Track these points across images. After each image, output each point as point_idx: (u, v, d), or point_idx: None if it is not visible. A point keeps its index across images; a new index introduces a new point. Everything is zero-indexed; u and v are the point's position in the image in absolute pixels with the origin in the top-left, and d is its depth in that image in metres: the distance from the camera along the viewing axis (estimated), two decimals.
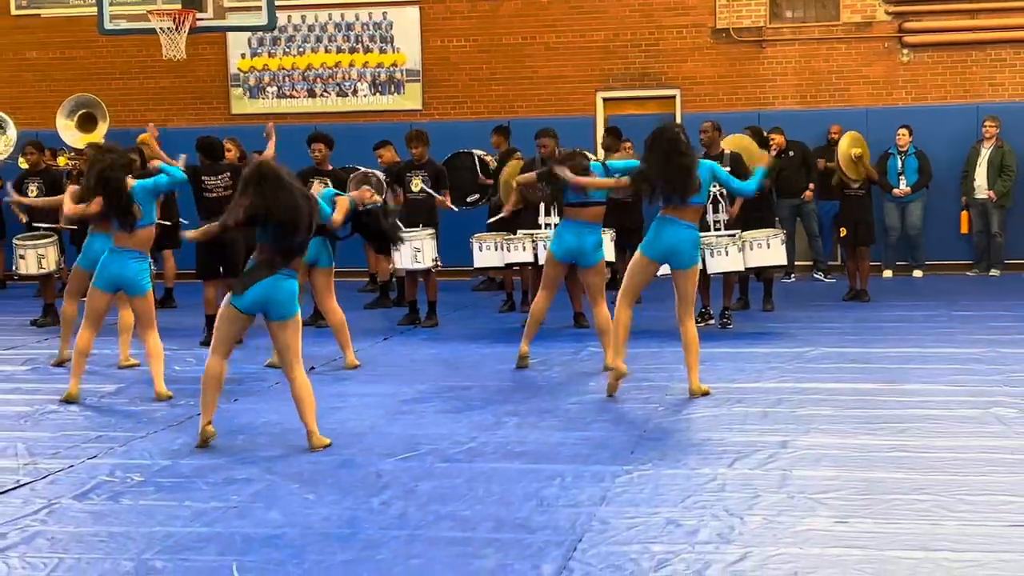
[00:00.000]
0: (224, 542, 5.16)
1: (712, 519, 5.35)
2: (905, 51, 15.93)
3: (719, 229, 11.07)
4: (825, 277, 14.83)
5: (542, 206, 11.44)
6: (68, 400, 8.13)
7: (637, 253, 8.09)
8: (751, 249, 11.01)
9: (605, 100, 16.40)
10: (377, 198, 8.86)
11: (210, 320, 10.26)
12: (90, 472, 6.35)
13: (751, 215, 11.33)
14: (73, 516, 5.59)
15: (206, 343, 10.07)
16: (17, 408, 8.06)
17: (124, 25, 14.49)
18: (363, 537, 5.22)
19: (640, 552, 4.94)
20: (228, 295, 6.80)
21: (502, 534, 5.21)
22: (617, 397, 7.99)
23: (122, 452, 6.78)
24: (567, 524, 5.33)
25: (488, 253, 11.86)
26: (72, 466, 6.48)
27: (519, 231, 11.48)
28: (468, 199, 12.77)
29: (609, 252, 11.41)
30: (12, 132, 15.43)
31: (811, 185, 14.62)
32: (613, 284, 10.04)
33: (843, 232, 12.91)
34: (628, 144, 13.25)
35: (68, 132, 15.30)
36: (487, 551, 4.99)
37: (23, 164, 13.44)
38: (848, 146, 12.55)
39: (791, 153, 14.23)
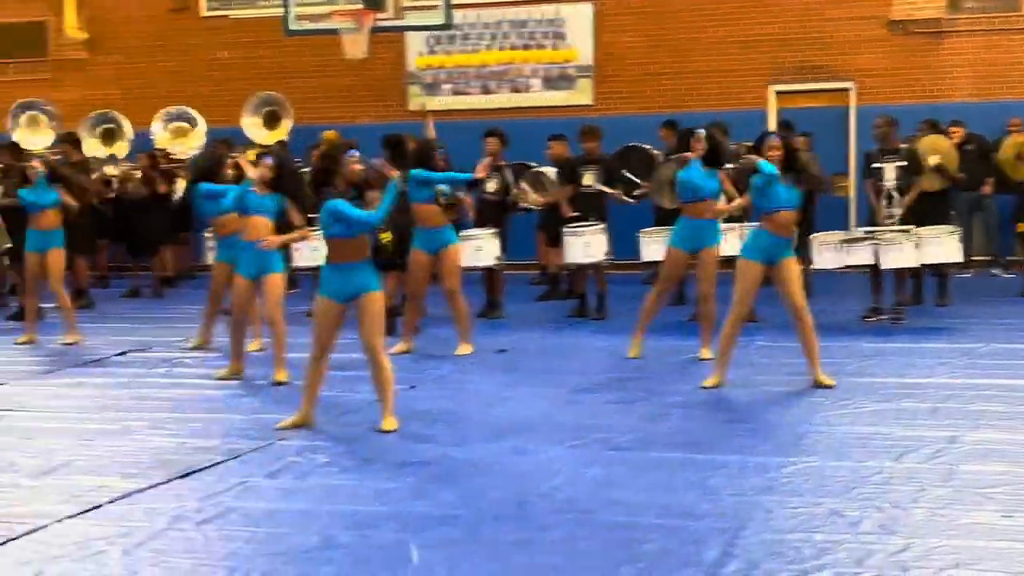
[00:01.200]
0: (402, 520, 5.45)
1: (875, 511, 5.42)
2: None
3: (893, 224, 11.00)
4: (1004, 272, 14.53)
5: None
6: (228, 376, 8.92)
7: (741, 260, 8.24)
8: (926, 245, 10.91)
9: (777, 93, 16.34)
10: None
11: (389, 311, 10.66)
12: (279, 453, 6.74)
13: (927, 210, 11.23)
14: (264, 493, 5.97)
15: (388, 332, 10.44)
16: (210, 392, 8.56)
17: (308, 25, 15.04)
18: (533, 519, 5.45)
19: (802, 540, 5.05)
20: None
21: (666, 520, 5.38)
22: (785, 391, 8.08)
23: (308, 435, 7.16)
24: (731, 512, 5.48)
25: (657, 247, 11.97)
26: (263, 447, 6.88)
27: None
28: (636, 192, 12.91)
29: None
30: (202, 127, 16.16)
31: (989, 179, 14.33)
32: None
33: (1021, 228, 12.66)
34: (802, 139, 13.22)
35: (254, 129, 15.94)
36: (652, 536, 5.17)
37: None
38: (1010, 148, 12.30)
39: (970, 146, 13.98)
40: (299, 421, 7.30)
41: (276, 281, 8.96)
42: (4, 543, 5.20)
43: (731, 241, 10.61)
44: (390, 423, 7.17)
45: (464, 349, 9.82)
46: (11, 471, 6.41)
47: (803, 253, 12.81)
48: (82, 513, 5.63)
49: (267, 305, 8.99)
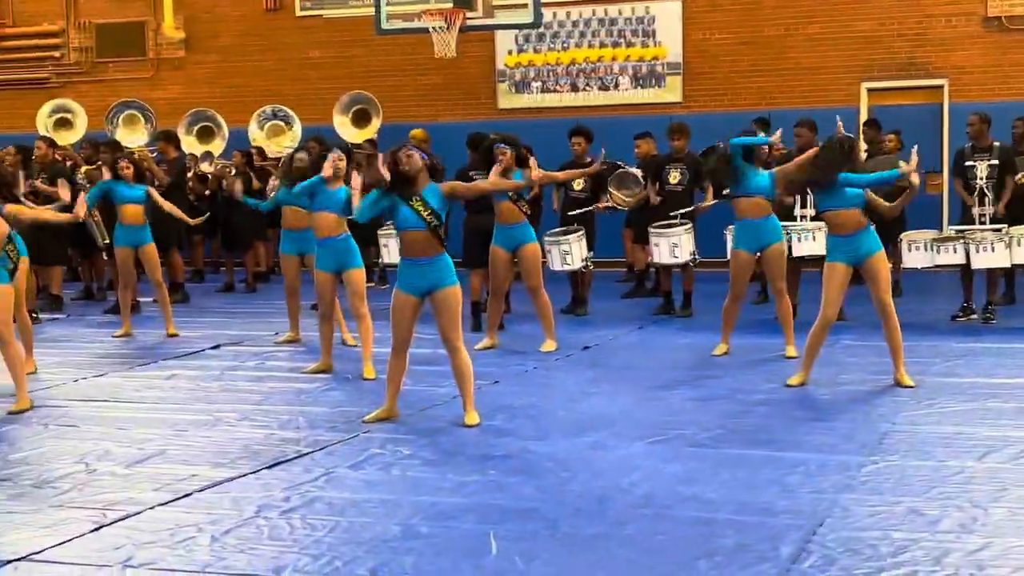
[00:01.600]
0: (482, 512, 5.55)
1: (956, 510, 5.40)
2: None
3: (984, 223, 10.87)
4: None
5: (798, 198, 11.46)
6: (317, 371, 9.08)
7: (826, 263, 8.22)
8: (1019, 245, 10.76)
9: (869, 91, 16.19)
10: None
11: (475, 307, 10.80)
12: (364, 445, 6.88)
13: (1021, 209, 11.08)
14: (348, 484, 6.10)
15: (475, 329, 10.59)
16: (298, 385, 8.73)
17: (399, 25, 15.25)
18: (611, 514, 5.51)
19: (880, 538, 5.06)
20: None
21: (744, 516, 5.41)
22: (869, 390, 8.04)
23: (391, 428, 7.29)
24: (809, 509, 5.49)
25: None
26: (347, 439, 7.02)
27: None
28: (725, 192, 12.87)
29: None
30: (297, 127, 16.44)
31: None
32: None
33: None
34: (891, 136, 13.11)
35: (344, 128, 16.18)
36: (728, 531, 5.20)
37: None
38: None
39: None
40: (384, 414, 7.44)
41: (356, 276, 9.10)
42: (97, 528, 5.38)
43: (819, 240, 10.59)
44: (472, 417, 7.28)
45: (549, 346, 9.90)
46: (107, 460, 6.62)
47: (892, 252, 12.77)
48: (173, 501, 5.80)
49: (351, 300, 9.14)
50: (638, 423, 7.28)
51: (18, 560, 4.97)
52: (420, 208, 7.18)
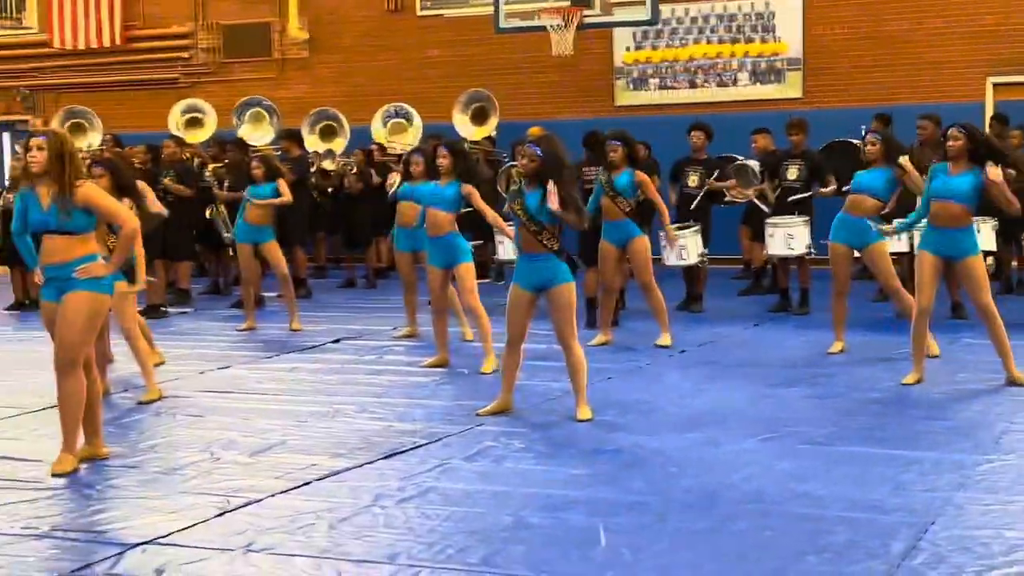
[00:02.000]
0: (592, 505, 5.63)
1: None
2: None
3: None
4: None
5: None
6: (434, 365, 9.24)
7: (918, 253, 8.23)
8: None
9: (995, 85, 15.86)
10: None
11: (589, 303, 10.87)
12: (477, 437, 7.01)
13: None
14: (462, 475, 6.23)
15: (590, 325, 10.66)
16: (416, 379, 8.90)
17: (517, 23, 15.39)
18: (721, 509, 5.55)
19: (992, 537, 5.02)
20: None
21: (855, 513, 5.41)
22: (988, 388, 7.94)
23: (505, 421, 7.40)
24: (921, 507, 5.47)
25: None
26: (462, 432, 7.15)
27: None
28: (844, 188, 12.76)
29: (990, 241, 11.21)
30: (418, 125, 16.67)
31: None
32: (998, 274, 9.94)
33: None
34: (1015, 133, 12.85)
35: (463, 126, 16.37)
36: (838, 528, 5.21)
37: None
38: None
39: None
40: (499, 407, 7.56)
41: (464, 271, 9.21)
42: (221, 514, 5.59)
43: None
44: (584, 412, 7.36)
45: (664, 340, 9.93)
46: (231, 449, 6.84)
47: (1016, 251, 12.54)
48: (293, 489, 5.99)
49: (463, 296, 9.26)
50: (750, 420, 7.29)
51: (146, 543, 5.19)
52: (518, 209, 7.32)
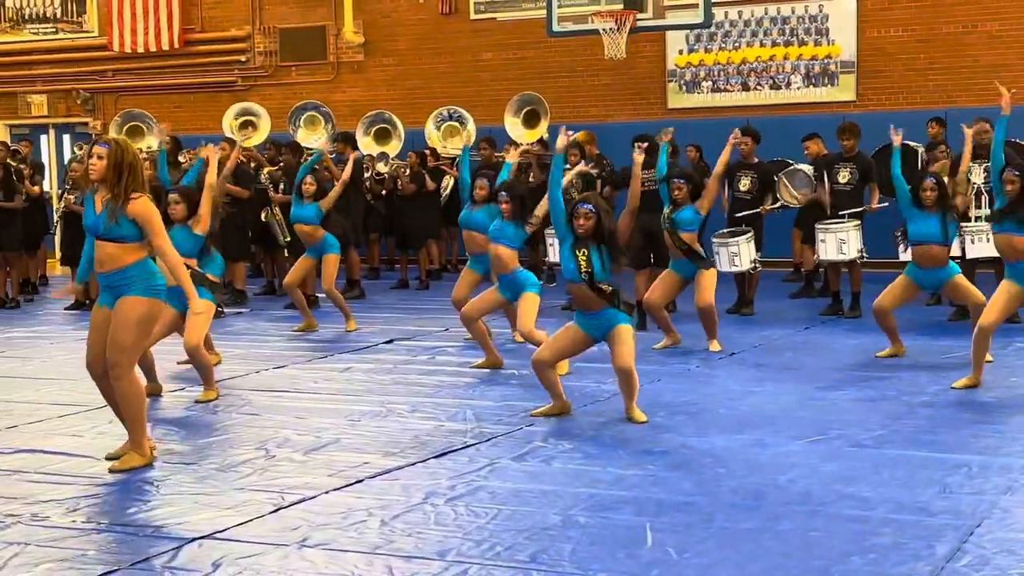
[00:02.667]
0: (640, 505, 5.71)
1: None
2: None
3: None
4: None
5: (974, 198, 11.30)
6: (485, 366, 9.37)
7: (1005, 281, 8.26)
8: None
9: None
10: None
11: (639, 306, 10.93)
12: (527, 437, 7.10)
13: None
14: (511, 474, 6.32)
15: (639, 328, 10.72)
16: (467, 379, 9.01)
17: (570, 27, 15.46)
18: (767, 509, 5.61)
19: None
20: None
21: (901, 515, 5.45)
22: None
23: (554, 421, 7.49)
24: (968, 510, 5.50)
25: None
26: (512, 432, 7.25)
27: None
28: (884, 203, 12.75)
29: None
30: (471, 127, 16.79)
31: None
32: None
33: None
34: None
35: (514, 129, 16.46)
36: (884, 530, 5.25)
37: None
38: None
39: None
40: (554, 411, 7.64)
41: (527, 300, 9.04)
42: (276, 510, 5.71)
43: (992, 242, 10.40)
44: (638, 415, 7.43)
45: (714, 346, 9.96)
46: (286, 447, 6.98)
47: None
48: (346, 487, 6.11)
49: (522, 323, 9.07)
50: (799, 422, 7.34)
51: (202, 538, 5.32)
52: (582, 259, 7.39)
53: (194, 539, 5.30)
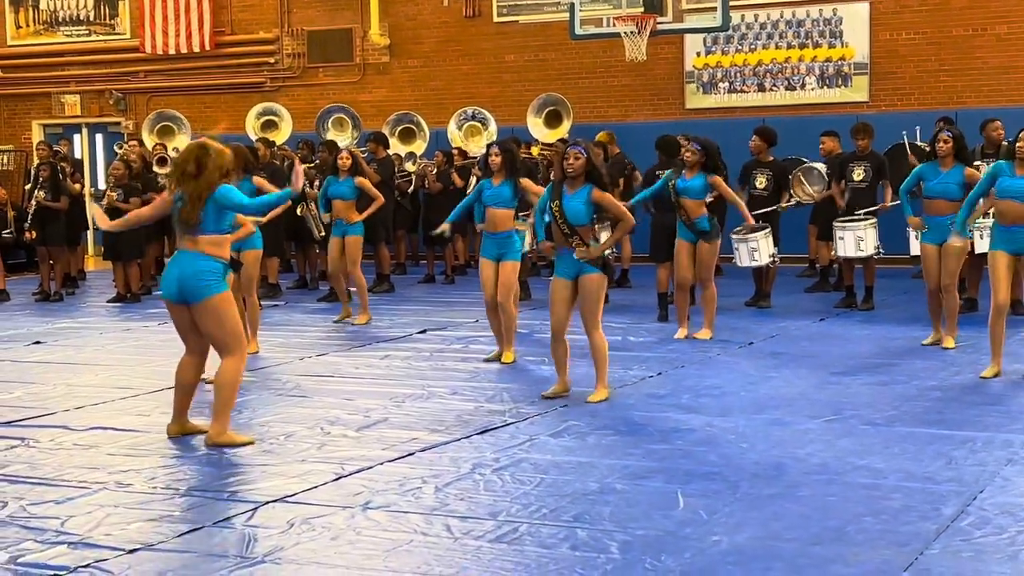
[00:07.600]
0: (670, 474, 6.23)
1: None
2: None
3: None
4: None
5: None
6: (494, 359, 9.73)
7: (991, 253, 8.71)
8: None
9: None
10: None
11: (661, 298, 11.47)
12: (562, 416, 7.63)
13: None
14: (550, 448, 6.85)
15: (661, 319, 11.29)
16: (500, 365, 9.53)
17: (592, 30, 15.97)
18: (787, 478, 6.13)
19: None
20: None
21: (910, 483, 5.97)
22: None
23: (588, 405, 8.01)
24: (971, 479, 6.02)
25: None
26: (547, 412, 7.78)
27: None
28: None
29: None
30: (493, 127, 17.32)
31: None
32: None
33: None
34: None
35: (536, 128, 17.00)
36: (894, 495, 5.78)
37: None
38: None
39: None
40: (558, 391, 8.19)
41: (507, 267, 9.60)
42: (338, 479, 6.24)
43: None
44: (601, 394, 8.03)
45: (704, 334, 10.41)
46: (338, 424, 7.51)
47: None
48: (399, 459, 6.64)
49: (498, 289, 9.60)
50: (815, 404, 7.86)
51: (274, 501, 5.86)
52: (555, 209, 7.98)
53: (268, 502, 5.83)
